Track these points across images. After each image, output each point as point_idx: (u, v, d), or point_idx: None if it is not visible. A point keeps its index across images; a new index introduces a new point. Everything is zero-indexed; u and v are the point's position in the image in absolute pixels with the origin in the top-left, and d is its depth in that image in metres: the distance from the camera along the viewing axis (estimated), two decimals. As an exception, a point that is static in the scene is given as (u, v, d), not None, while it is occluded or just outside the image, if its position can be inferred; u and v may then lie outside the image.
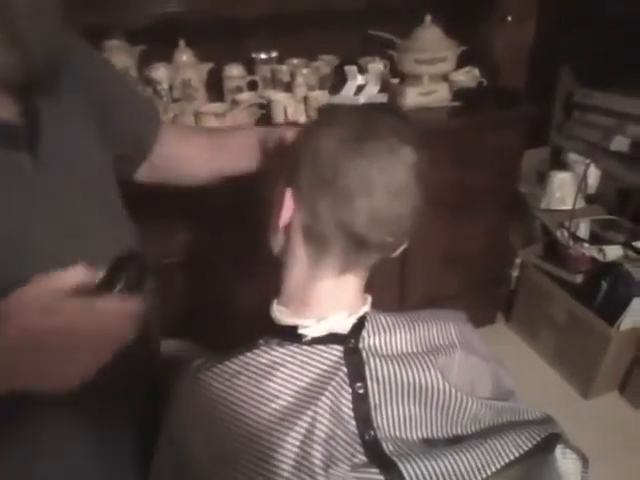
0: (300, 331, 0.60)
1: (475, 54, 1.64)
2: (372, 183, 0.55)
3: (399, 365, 0.60)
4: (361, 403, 0.57)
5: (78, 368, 0.45)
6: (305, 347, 0.59)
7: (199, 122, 1.33)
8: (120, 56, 1.39)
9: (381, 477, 0.52)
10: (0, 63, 0.46)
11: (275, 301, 0.65)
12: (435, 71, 1.54)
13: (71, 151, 0.63)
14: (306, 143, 0.59)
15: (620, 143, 1.93)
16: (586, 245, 1.77)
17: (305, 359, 0.59)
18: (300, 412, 0.55)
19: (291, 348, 0.59)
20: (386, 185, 0.56)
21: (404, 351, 0.63)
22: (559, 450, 0.60)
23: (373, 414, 0.57)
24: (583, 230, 1.84)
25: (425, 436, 0.59)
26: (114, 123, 0.72)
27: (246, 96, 1.48)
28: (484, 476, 0.54)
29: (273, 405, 0.56)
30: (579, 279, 1.74)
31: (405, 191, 0.57)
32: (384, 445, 0.56)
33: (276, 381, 0.57)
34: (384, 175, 0.56)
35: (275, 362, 0.59)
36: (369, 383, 0.58)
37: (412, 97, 1.53)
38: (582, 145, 2.04)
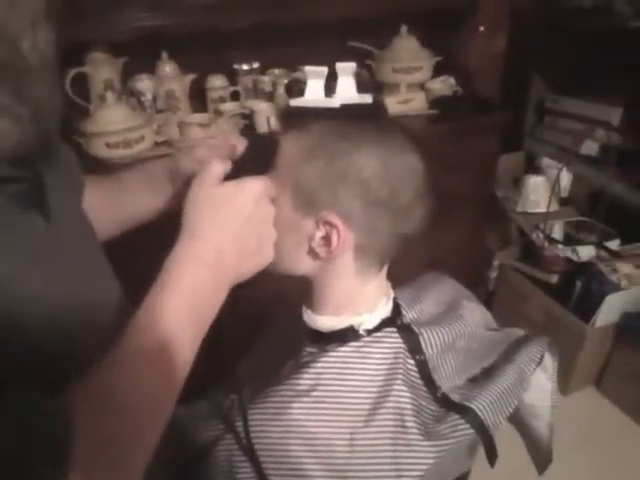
0: (357, 327, 0.64)
1: (450, 63, 1.69)
2: (421, 191, 0.61)
3: (440, 328, 0.69)
4: (424, 369, 0.65)
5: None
6: (365, 339, 0.64)
7: (184, 132, 1.35)
8: (104, 68, 1.41)
9: (462, 420, 0.61)
10: (22, 138, 0.43)
11: (310, 312, 0.67)
12: (412, 80, 1.59)
13: (73, 212, 0.59)
14: (332, 167, 0.57)
15: (589, 147, 2.00)
16: (560, 246, 1.83)
17: (369, 349, 0.63)
18: (385, 395, 0.61)
19: (352, 344, 0.63)
20: (423, 185, 0.61)
21: (434, 314, 0.73)
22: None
23: (434, 376, 0.66)
24: (557, 232, 1.90)
25: (469, 377, 0.69)
26: None
27: (229, 106, 1.50)
28: (525, 387, 0.67)
29: (356, 400, 0.60)
30: (554, 279, 1.79)
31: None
32: (451, 397, 0.65)
33: (352, 377, 0.61)
34: (423, 178, 0.61)
35: (344, 362, 0.62)
36: (425, 351, 0.66)
37: (391, 105, 1.57)
38: (554, 149, 2.11)
